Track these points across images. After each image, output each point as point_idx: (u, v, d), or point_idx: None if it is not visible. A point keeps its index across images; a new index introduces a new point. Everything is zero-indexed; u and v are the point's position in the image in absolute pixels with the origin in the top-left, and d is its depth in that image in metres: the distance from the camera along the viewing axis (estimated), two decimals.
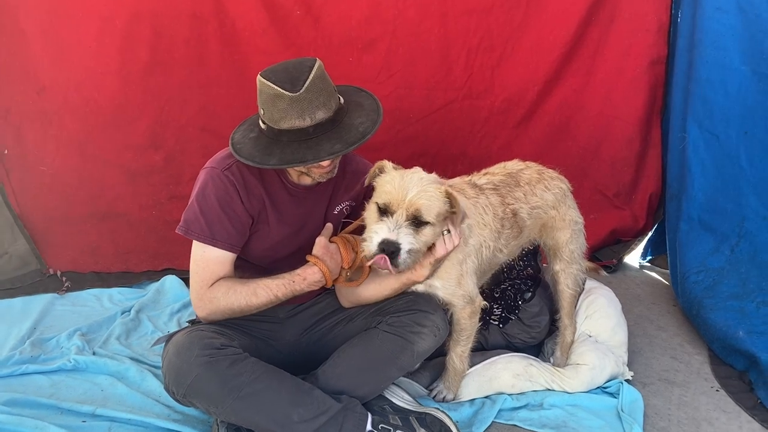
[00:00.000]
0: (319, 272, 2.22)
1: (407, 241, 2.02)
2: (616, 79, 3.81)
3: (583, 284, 2.79)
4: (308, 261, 2.25)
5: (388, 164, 2.20)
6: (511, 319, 2.74)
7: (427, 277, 2.25)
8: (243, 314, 2.24)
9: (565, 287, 2.65)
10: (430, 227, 2.08)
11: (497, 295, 2.80)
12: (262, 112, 2.13)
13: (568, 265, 2.63)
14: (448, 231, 2.15)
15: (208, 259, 2.20)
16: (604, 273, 3.34)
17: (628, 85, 3.81)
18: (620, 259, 3.94)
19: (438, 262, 2.23)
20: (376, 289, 2.33)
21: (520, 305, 2.74)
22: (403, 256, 2.02)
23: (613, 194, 3.95)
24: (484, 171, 2.56)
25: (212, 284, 2.20)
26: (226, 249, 2.22)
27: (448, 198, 2.10)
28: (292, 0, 3.59)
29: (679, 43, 3.54)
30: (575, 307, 2.74)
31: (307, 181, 2.33)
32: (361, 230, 2.24)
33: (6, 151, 3.51)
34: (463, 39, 3.75)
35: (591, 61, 3.80)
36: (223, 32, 3.57)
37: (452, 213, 2.11)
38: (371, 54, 3.75)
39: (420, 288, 2.33)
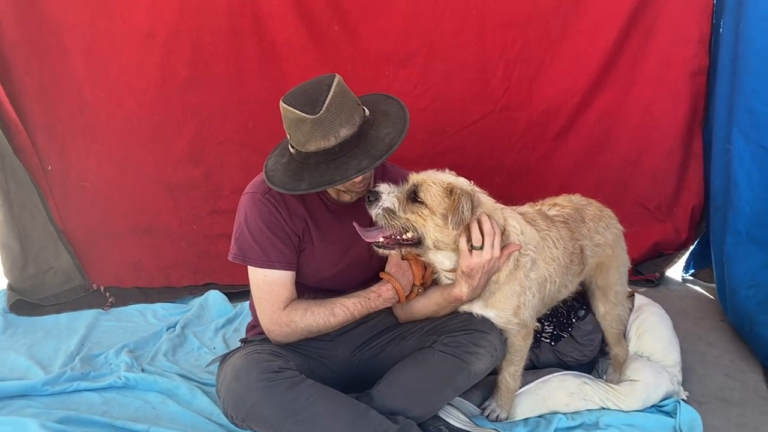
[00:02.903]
0: (392, 289, 2.24)
1: (389, 199, 2.09)
2: (656, 90, 3.77)
3: (631, 308, 2.77)
4: (381, 278, 2.27)
5: (446, 170, 2.25)
6: (563, 336, 2.70)
7: (470, 299, 2.21)
8: (319, 334, 2.26)
9: (609, 327, 2.65)
10: (426, 210, 2.07)
11: (548, 312, 2.76)
12: (288, 136, 2.13)
13: (613, 306, 2.61)
14: (481, 247, 2.09)
15: (271, 282, 2.21)
16: (640, 289, 3.28)
17: (669, 96, 3.76)
18: (662, 273, 3.88)
19: (480, 285, 2.16)
20: (423, 302, 2.32)
21: (574, 323, 2.71)
22: (378, 210, 2.08)
23: (655, 207, 3.90)
24: (551, 201, 2.53)
25: (285, 307, 2.21)
26: (285, 269, 2.23)
27: (450, 193, 2.07)
28: (330, 15, 3.61)
29: (722, 53, 3.48)
30: (624, 335, 2.72)
31: (345, 198, 2.32)
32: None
33: (50, 168, 3.55)
34: (501, 51, 3.74)
35: (630, 72, 3.76)
36: (262, 48, 3.60)
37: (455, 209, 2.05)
38: (408, 68, 3.75)
39: (465, 308, 2.31)
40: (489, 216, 2.13)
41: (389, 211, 2.08)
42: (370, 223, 2.37)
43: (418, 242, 2.13)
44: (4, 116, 3.36)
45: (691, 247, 3.93)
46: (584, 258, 2.43)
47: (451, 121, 3.85)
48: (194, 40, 3.53)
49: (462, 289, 2.16)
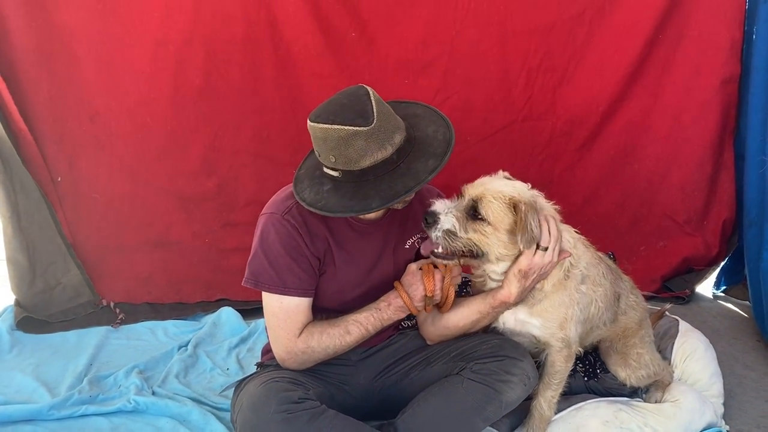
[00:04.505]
0: (399, 297, 2.13)
1: (449, 220, 1.98)
2: (685, 100, 3.65)
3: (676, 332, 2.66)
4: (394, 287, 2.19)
5: (501, 172, 2.16)
6: (595, 380, 2.56)
7: (516, 302, 2.10)
8: (336, 355, 2.14)
9: (638, 385, 2.47)
10: (489, 227, 1.98)
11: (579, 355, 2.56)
12: (332, 159, 1.96)
13: (635, 370, 2.39)
14: (546, 248, 2.01)
15: (287, 309, 2.09)
16: (667, 306, 3.12)
17: (699, 105, 3.64)
18: (693, 290, 3.73)
19: (529, 287, 2.08)
20: (462, 312, 2.19)
21: (600, 374, 2.54)
22: (437, 232, 1.98)
23: (684, 220, 3.76)
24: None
25: (300, 334, 2.09)
26: (301, 295, 2.10)
27: (513, 208, 1.98)
28: (348, 22, 3.52)
29: (755, 61, 3.35)
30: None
31: (371, 215, 2.20)
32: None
33: (59, 179, 3.45)
34: (523, 59, 3.64)
35: (658, 81, 3.65)
36: (277, 56, 3.51)
37: (520, 224, 1.97)
38: (428, 76, 3.66)
39: (510, 324, 2.19)
40: (555, 219, 2.07)
41: (450, 233, 1.98)
42: (397, 239, 2.28)
43: (477, 255, 2.05)
44: (13, 126, 3.27)
45: (722, 263, 3.78)
46: (618, 308, 2.31)
47: (472, 130, 3.74)
48: (208, 49, 3.44)
49: (511, 290, 2.06)
